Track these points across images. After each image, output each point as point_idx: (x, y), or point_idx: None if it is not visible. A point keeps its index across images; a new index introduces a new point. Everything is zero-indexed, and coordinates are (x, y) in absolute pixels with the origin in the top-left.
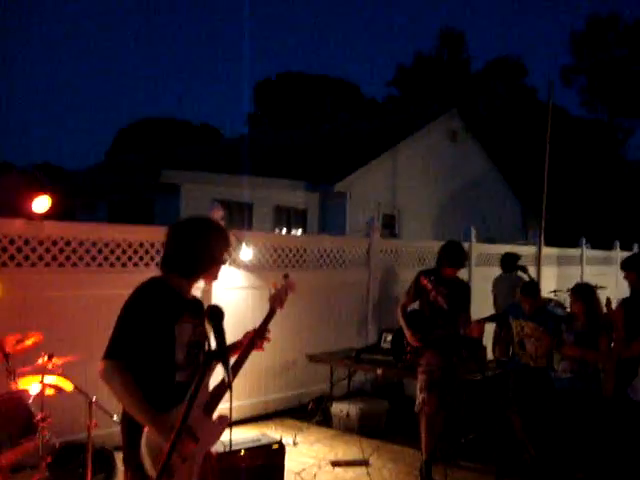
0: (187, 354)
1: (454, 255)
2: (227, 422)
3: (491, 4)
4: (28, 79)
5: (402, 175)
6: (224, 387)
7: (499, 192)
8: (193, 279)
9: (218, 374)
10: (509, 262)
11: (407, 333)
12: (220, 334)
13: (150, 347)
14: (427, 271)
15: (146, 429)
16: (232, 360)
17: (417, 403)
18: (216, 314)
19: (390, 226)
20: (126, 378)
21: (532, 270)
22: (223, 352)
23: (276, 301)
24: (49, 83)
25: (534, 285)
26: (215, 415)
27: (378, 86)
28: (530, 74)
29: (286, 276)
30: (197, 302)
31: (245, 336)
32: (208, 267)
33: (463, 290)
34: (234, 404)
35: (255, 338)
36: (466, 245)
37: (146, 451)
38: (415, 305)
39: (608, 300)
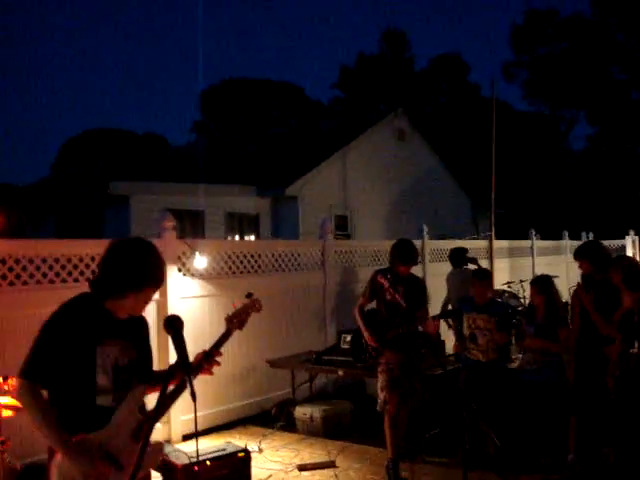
0: (114, 378)
1: (405, 253)
2: (161, 451)
3: (431, 2)
4: None
5: (352, 176)
6: (157, 413)
7: (448, 188)
8: (121, 299)
9: (150, 399)
10: (457, 256)
11: (365, 334)
12: (180, 344)
13: (66, 368)
14: (382, 270)
15: (58, 454)
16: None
17: (379, 402)
18: (174, 324)
19: (343, 227)
20: (36, 399)
21: (485, 263)
22: (185, 362)
23: (233, 322)
24: None
25: (484, 270)
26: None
27: (323, 88)
28: (472, 71)
29: (249, 295)
30: (135, 321)
31: (195, 358)
32: (132, 289)
33: (419, 287)
34: (192, 415)
35: (203, 361)
36: (419, 242)
37: (57, 476)
38: (373, 305)
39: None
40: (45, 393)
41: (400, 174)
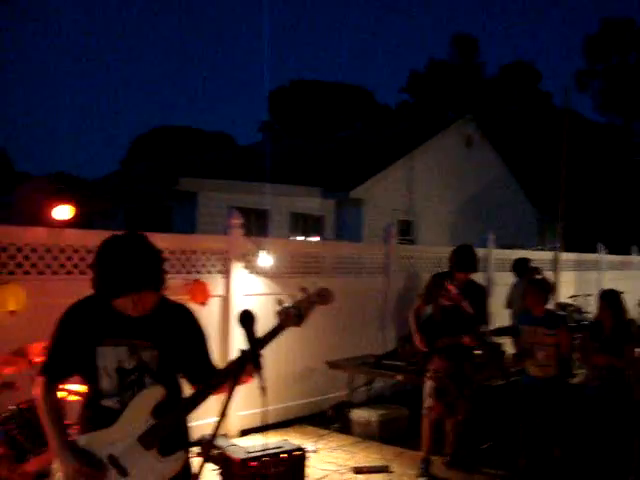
0: (120, 380)
1: (465, 259)
2: (180, 464)
3: (504, 9)
4: (40, 89)
5: (418, 181)
6: (171, 417)
7: (514, 197)
8: (123, 298)
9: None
10: (521, 267)
11: (415, 337)
12: (252, 339)
13: (73, 368)
14: (441, 274)
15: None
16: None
17: (424, 407)
18: (247, 319)
19: (406, 232)
20: (45, 395)
21: (550, 276)
22: (256, 357)
23: (289, 315)
24: (61, 93)
25: (540, 280)
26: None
27: (391, 92)
28: (544, 78)
29: (322, 292)
30: (164, 315)
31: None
32: (130, 290)
33: (478, 294)
34: (252, 411)
35: (246, 360)
36: (484, 251)
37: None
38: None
39: None
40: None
41: (466, 181)
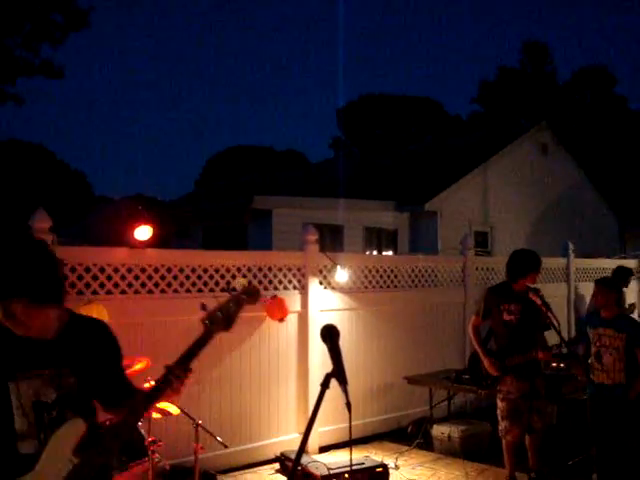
0: (36, 418)
1: (530, 262)
2: None
3: (573, 13)
4: (115, 114)
5: (493, 191)
6: (98, 453)
7: (593, 204)
8: (18, 317)
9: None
10: (621, 277)
11: (485, 362)
12: (336, 354)
13: None
14: (497, 287)
15: None
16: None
17: (500, 429)
18: (331, 334)
19: (483, 243)
20: None
21: (634, 285)
22: (341, 372)
23: (216, 321)
24: (136, 116)
25: (610, 279)
26: None
27: (462, 103)
28: (618, 82)
29: (232, 289)
30: (77, 334)
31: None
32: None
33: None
34: (332, 427)
35: (171, 376)
36: (564, 260)
37: None
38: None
39: None
40: None
41: (543, 189)
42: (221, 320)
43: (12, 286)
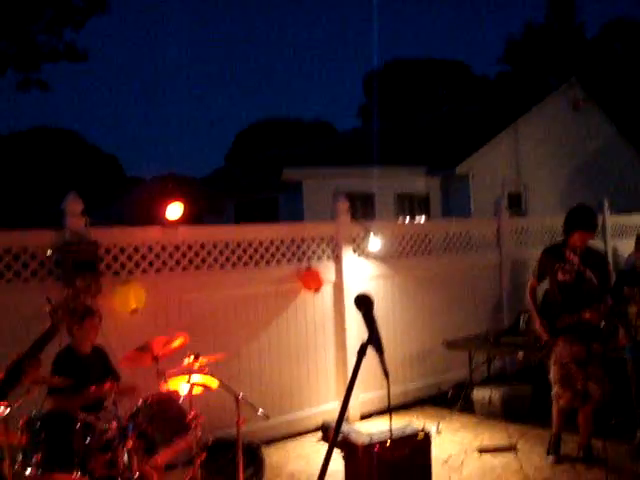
0: None
1: (584, 217)
2: None
3: None
4: (143, 94)
5: (525, 151)
6: None
7: (628, 160)
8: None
9: None
10: None
11: (536, 323)
12: (371, 322)
13: None
14: (552, 247)
15: None
16: None
17: (552, 393)
18: (365, 302)
19: (516, 204)
20: None
21: None
22: (377, 339)
23: (58, 314)
24: (163, 95)
25: None
26: None
27: (489, 63)
28: None
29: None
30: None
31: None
32: None
33: (599, 262)
34: (372, 395)
35: (26, 366)
36: (600, 217)
37: None
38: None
39: None
40: None
41: (576, 147)
42: (68, 312)
43: None
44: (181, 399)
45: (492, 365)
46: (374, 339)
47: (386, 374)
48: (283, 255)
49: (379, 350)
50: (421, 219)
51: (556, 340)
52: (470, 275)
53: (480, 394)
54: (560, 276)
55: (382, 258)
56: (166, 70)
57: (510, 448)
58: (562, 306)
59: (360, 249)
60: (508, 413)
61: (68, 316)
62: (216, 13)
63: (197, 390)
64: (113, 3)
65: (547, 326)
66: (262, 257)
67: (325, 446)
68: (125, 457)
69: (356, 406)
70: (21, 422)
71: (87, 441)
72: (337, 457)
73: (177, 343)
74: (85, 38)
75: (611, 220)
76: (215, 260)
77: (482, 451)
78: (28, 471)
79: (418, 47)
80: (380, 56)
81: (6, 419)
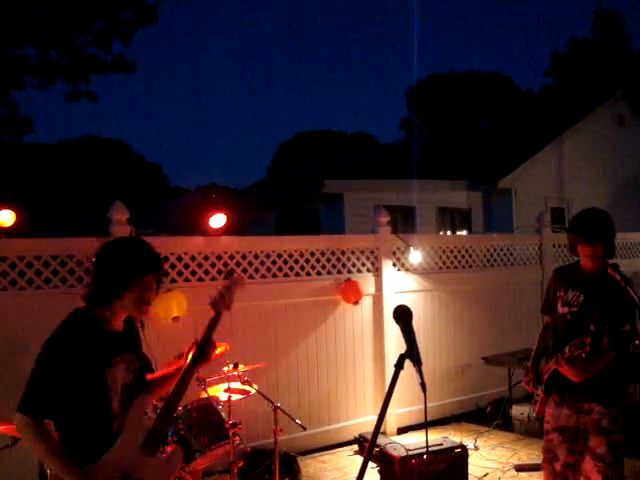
0: (121, 400)
1: (580, 222)
2: (180, 459)
3: None
4: (187, 106)
5: (568, 166)
6: (164, 421)
7: None
8: (109, 308)
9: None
10: None
11: (525, 377)
12: (410, 334)
13: (75, 399)
14: (564, 267)
15: None
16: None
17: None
18: (404, 315)
19: (560, 220)
20: (39, 436)
21: None
22: (415, 352)
23: (219, 304)
24: (206, 107)
25: None
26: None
27: (534, 77)
28: None
29: (229, 273)
30: (130, 328)
31: (183, 355)
32: (116, 292)
33: (615, 294)
34: (410, 409)
35: (199, 352)
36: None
37: None
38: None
39: None
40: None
41: (621, 162)
42: (224, 303)
43: (124, 282)
44: (220, 407)
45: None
46: (412, 352)
47: (423, 386)
48: (323, 267)
49: (417, 362)
50: (462, 233)
51: (547, 398)
52: (511, 291)
53: (519, 411)
54: (560, 308)
55: (422, 272)
56: (212, 81)
57: None
58: (554, 351)
59: (400, 263)
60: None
61: (225, 306)
62: (263, 25)
63: (236, 398)
64: (161, 13)
65: (531, 376)
66: (302, 268)
67: (360, 458)
68: None
69: (393, 420)
70: None
71: None
72: (372, 471)
73: (218, 351)
74: (133, 48)
75: None
76: (256, 271)
77: (519, 469)
78: None
79: (463, 61)
80: (424, 69)
81: None
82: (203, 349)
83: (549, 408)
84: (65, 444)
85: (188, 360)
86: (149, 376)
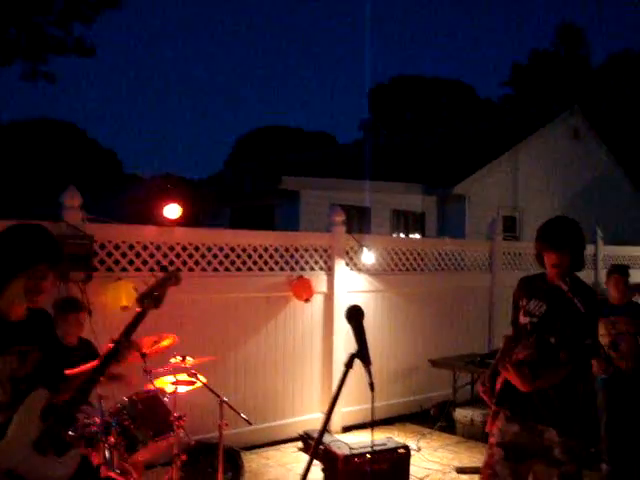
0: (12, 391)
1: (546, 228)
2: (77, 460)
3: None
4: (144, 92)
5: (523, 176)
6: (61, 420)
7: (625, 191)
8: (3, 296)
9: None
10: None
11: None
12: (361, 335)
13: None
14: (530, 277)
15: None
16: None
17: None
18: (357, 315)
19: (511, 228)
20: None
21: None
22: (365, 352)
23: (147, 300)
24: (165, 95)
25: (624, 266)
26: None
27: (493, 86)
28: None
29: (163, 268)
30: (37, 317)
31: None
32: (5, 280)
33: (581, 304)
34: (355, 408)
35: (113, 351)
36: (592, 247)
37: None
38: None
39: None
40: None
41: (574, 175)
42: (152, 299)
43: (15, 260)
44: (166, 399)
45: (476, 386)
46: (363, 352)
47: (371, 386)
48: (276, 263)
49: (367, 362)
50: (415, 237)
51: (499, 411)
52: (461, 295)
53: (462, 414)
54: (521, 318)
55: (374, 273)
56: (171, 71)
57: None
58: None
59: (353, 262)
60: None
61: (153, 303)
62: (227, 18)
63: (182, 391)
64: None
65: (484, 387)
66: (255, 263)
67: (304, 456)
68: (106, 453)
69: (338, 418)
70: None
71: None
72: (316, 469)
73: (165, 343)
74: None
75: (604, 250)
76: (208, 263)
77: (460, 471)
78: None
79: (425, 66)
80: (387, 72)
81: None
82: (118, 348)
83: (498, 422)
84: None
85: (100, 360)
86: (69, 371)
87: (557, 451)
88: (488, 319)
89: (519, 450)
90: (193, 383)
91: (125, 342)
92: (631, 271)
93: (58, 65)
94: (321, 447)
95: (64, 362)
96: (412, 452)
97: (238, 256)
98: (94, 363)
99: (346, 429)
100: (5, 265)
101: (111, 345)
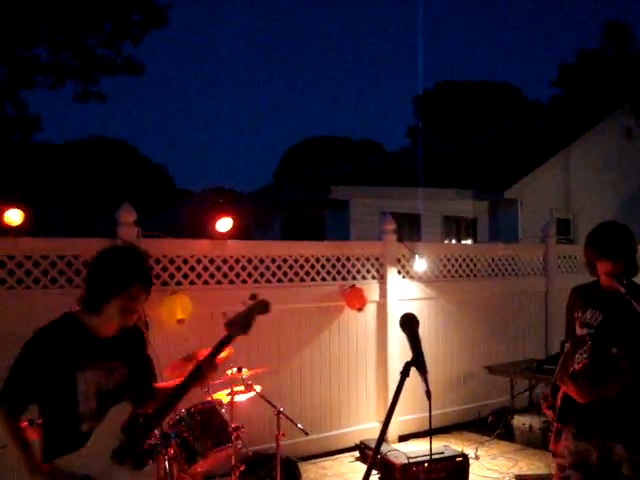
0: (98, 403)
1: (596, 236)
2: (154, 476)
3: None
4: (194, 108)
5: (575, 177)
6: (142, 434)
7: None
8: (99, 314)
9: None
10: None
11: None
12: (416, 343)
13: (46, 394)
14: (583, 286)
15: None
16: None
17: None
18: (411, 322)
19: (565, 231)
20: (7, 426)
21: None
22: (421, 360)
23: (235, 325)
24: (214, 110)
25: None
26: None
27: (541, 87)
28: None
29: (253, 297)
30: (128, 335)
31: (191, 356)
32: (105, 299)
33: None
34: (411, 416)
35: (195, 373)
36: None
37: None
38: None
39: None
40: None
41: (628, 174)
42: (240, 326)
43: (115, 283)
44: (223, 410)
45: (533, 393)
46: (418, 360)
47: (428, 394)
48: (328, 273)
49: (423, 370)
50: (467, 242)
51: (563, 428)
52: (515, 301)
53: (520, 421)
54: (578, 330)
55: (427, 280)
56: (220, 85)
57: (548, 477)
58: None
59: (405, 270)
60: (548, 442)
61: (241, 329)
62: (271, 28)
63: (239, 402)
64: (173, 17)
65: (547, 401)
66: (307, 274)
67: (361, 465)
68: (166, 464)
69: (394, 427)
70: None
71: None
72: (373, 478)
73: (222, 355)
74: (143, 50)
75: None
76: (261, 275)
77: (519, 479)
78: None
79: (471, 71)
80: (433, 77)
81: None
82: (200, 370)
83: (566, 441)
84: (44, 434)
85: (183, 379)
86: (158, 385)
87: (625, 467)
88: (544, 324)
89: (593, 469)
90: (249, 393)
91: (208, 364)
92: None
93: (108, 83)
94: (378, 457)
95: (152, 377)
96: (470, 460)
97: (290, 267)
98: (177, 381)
99: (402, 438)
100: (106, 286)
101: (194, 366)
